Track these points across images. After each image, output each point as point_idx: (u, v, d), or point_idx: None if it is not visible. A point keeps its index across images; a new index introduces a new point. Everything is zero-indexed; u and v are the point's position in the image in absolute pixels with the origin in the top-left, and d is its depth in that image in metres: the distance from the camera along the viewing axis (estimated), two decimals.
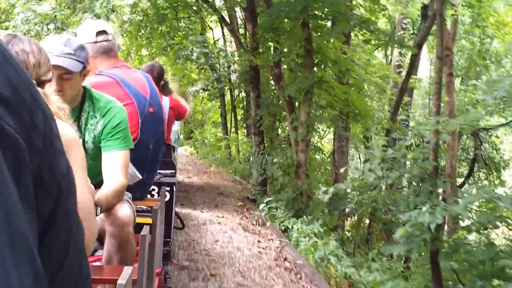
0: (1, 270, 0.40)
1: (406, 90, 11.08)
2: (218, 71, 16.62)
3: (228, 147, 16.32)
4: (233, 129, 20.07)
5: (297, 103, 9.67)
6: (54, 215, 0.55)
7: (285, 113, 11.50)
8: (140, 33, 17.51)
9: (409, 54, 17.80)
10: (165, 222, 3.09)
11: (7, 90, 0.46)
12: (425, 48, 15.26)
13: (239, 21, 18.14)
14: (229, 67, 17.17)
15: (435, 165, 5.20)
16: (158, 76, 3.93)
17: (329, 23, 8.21)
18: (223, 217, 5.69)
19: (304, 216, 6.20)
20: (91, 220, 1.52)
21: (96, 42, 2.75)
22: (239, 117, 19.55)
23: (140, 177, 2.56)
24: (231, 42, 18.00)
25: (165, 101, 4.07)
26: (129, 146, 2.32)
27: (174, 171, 3.79)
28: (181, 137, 24.32)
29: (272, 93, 10.30)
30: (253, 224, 5.70)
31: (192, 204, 6.37)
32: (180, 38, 16.90)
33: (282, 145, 10.80)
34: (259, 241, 4.80)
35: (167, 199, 3.31)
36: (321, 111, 8.29)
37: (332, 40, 8.10)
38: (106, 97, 2.35)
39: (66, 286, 0.59)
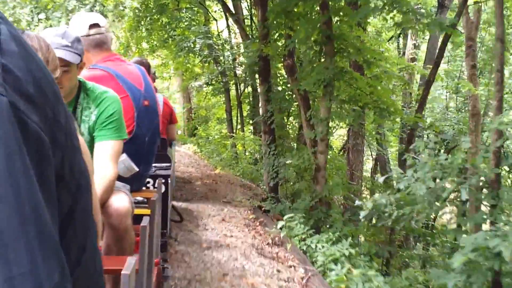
0: (31, 263, 0.41)
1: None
2: (222, 64, 15.59)
3: (234, 146, 15.30)
4: (238, 126, 19.09)
5: (312, 98, 8.65)
6: (72, 212, 0.56)
7: (294, 109, 10.49)
8: (140, 24, 16.51)
9: (423, 46, 16.81)
10: (162, 214, 3.08)
11: (32, 86, 0.47)
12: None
13: (245, 11, 17.13)
14: (234, 59, 16.13)
15: (497, 172, 4.17)
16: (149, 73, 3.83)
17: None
18: (231, 236, 4.68)
19: (330, 233, 5.18)
20: (97, 217, 1.52)
21: (88, 35, 2.70)
22: (245, 113, 18.54)
23: (137, 169, 2.56)
24: (236, 33, 16.93)
25: (159, 97, 4.09)
26: (122, 137, 2.32)
27: (169, 164, 3.83)
28: (179, 132, 23.35)
29: (284, 87, 9.22)
30: (268, 244, 4.70)
31: (194, 219, 5.36)
32: (182, 29, 15.87)
33: (295, 145, 9.74)
34: (278, 271, 3.81)
35: (162, 190, 3.28)
36: (342, 106, 7.23)
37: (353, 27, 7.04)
38: (100, 88, 2.34)
39: (82, 282, 0.59)
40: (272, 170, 8.24)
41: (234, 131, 17.75)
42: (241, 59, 15.98)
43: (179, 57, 16.02)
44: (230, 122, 17.91)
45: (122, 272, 1.41)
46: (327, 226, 6.60)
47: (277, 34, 8.30)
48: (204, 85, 15.94)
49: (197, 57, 15.89)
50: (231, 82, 17.36)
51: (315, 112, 7.32)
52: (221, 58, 16.41)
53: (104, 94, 2.31)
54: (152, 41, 17.73)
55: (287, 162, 8.06)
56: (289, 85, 9.08)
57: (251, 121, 18.70)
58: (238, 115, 17.86)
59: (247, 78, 17.47)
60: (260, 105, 18.50)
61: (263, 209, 6.73)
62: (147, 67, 4.06)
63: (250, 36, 14.67)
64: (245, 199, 6.81)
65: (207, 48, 15.02)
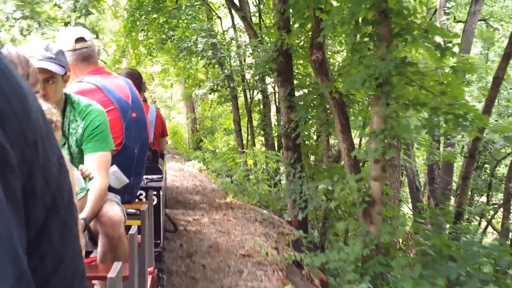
0: None
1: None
2: (229, 67, 13.63)
3: (245, 163, 13.26)
4: (249, 137, 17.09)
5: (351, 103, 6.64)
6: (47, 224, 0.55)
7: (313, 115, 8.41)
8: (135, 25, 14.59)
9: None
10: (154, 224, 3.04)
11: None
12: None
13: (252, 8, 15.18)
14: (241, 62, 14.14)
15: None
16: (138, 85, 3.62)
17: None
18: None
19: None
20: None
21: (75, 49, 2.73)
22: (255, 123, 16.54)
23: (127, 180, 2.59)
24: (242, 31, 14.92)
25: (151, 109, 4.59)
26: (110, 148, 2.37)
27: (160, 175, 3.83)
28: (169, 142, 21.31)
29: (311, 89, 7.15)
30: None
31: None
32: (181, 29, 13.94)
33: (325, 166, 7.66)
34: None
35: (154, 202, 3.34)
36: (397, 114, 5.16)
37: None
38: (86, 101, 2.38)
39: None
40: (300, 198, 6.19)
41: (244, 142, 15.75)
42: (249, 60, 14.04)
43: (179, 60, 14.05)
44: (239, 133, 15.91)
45: (108, 275, 1.45)
46: (390, 285, 4.55)
47: (302, 19, 6.26)
48: (209, 92, 13.88)
49: (200, 59, 13.86)
50: (239, 88, 15.38)
51: (361, 121, 5.26)
52: (227, 59, 14.45)
53: (89, 107, 2.34)
54: (149, 44, 15.83)
55: (320, 187, 6.02)
56: (315, 87, 7.02)
57: (262, 132, 16.73)
58: (248, 125, 15.87)
59: (257, 83, 15.54)
60: (272, 113, 16.62)
61: (295, 261, 4.66)
62: (139, 77, 4.04)
63: (260, 35, 12.76)
64: (270, 247, 4.79)
65: (210, 48, 13.04)
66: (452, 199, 15.10)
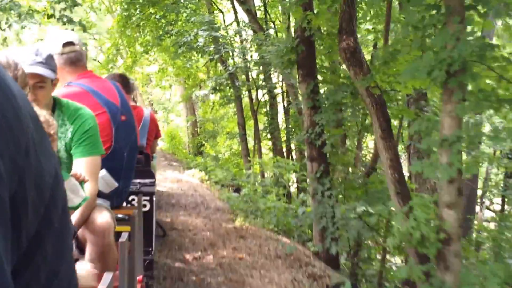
0: None
1: None
2: (233, 63, 12.27)
3: (259, 175, 11.89)
4: (254, 141, 15.76)
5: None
6: (41, 236, 0.54)
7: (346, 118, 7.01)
8: (129, 20, 13.24)
9: None
10: (146, 231, 2.97)
11: None
12: None
13: (257, 1, 13.83)
14: (245, 58, 12.75)
15: None
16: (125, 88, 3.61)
17: None
18: None
19: None
20: None
21: (63, 53, 2.71)
22: (261, 127, 15.19)
23: (117, 185, 2.56)
24: (247, 27, 13.56)
25: (146, 112, 4.60)
26: (100, 152, 2.34)
27: (153, 180, 3.73)
28: (159, 145, 19.92)
29: (340, 85, 5.73)
30: None
31: None
32: (181, 22, 12.58)
33: (352, 178, 6.25)
34: None
35: (147, 208, 3.27)
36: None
37: None
38: (75, 104, 2.36)
39: None
40: (333, 225, 4.82)
41: (250, 148, 14.38)
42: (254, 56, 12.69)
43: (178, 57, 12.69)
44: (244, 138, 14.55)
45: (98, 287, 1.40)
46: None
47: None
48: (211, 92, 12.50)
49: (200, 56, 12.48)
50: (244, 88, 14.03)
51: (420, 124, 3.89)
52: (231, 55, 13.10)
53: (78, 111, 2.32)
54: (145, 41, 14.47)
55: (359, 209, 4.67)
56: (345, 82, 5.62)
57: (269, 136, 15.36)
58: (254, 129, 14.50)
59: (264, 82, 14.21)
60: (278, 118, 15.29)
61: None
62: (126, 80, 3.96)
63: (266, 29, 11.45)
64: None
65: (212, 43, 11.68)
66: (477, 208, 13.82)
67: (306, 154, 5.65)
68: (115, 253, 2.18)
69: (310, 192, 5.49)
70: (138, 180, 3.37)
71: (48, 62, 2.20)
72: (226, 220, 5.96)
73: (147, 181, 3.61)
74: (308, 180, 5.57)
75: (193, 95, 18.24)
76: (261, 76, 14.25)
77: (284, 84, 15.67)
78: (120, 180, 2.67)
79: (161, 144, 19.82)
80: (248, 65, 11.87)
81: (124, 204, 2.96)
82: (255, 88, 14.40)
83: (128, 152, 2.83)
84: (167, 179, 9.55)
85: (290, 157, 15.59)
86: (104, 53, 16.48)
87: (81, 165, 2.23)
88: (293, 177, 9.71)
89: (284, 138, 15.66)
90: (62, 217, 0.59)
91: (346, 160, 5.90)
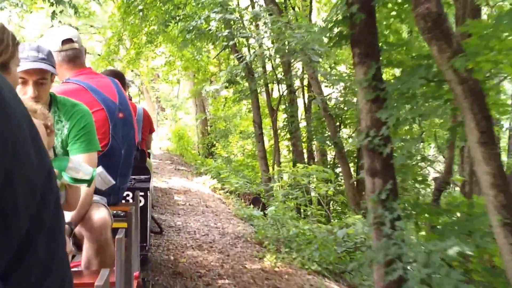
0: None
1: None
2: (250, 51, 10.66)
3: (271, 178, 10.26)
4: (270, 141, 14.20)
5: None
6: (31, 236, 0.53)
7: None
8: (132, 5, 11.68)
9: None
10: (141, 227, 3.00)
11: None
12: None
13: None
14: (261, 46, 11.10)
15: None
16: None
17: None
18: None
19: None
20: None
21: (61, 50, 2.71)
22: (279, 125, 13.58)
23: (113, 182, 2.51)
24: (265, 11, 11.91)
25: (139, 109, 4.62)
26: (96, 149, 2.33)
27: (148, 176, 3.77)
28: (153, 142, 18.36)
29: (415, 67, 4.04)
30: None
31: None
32: (189, 6, 10.97)
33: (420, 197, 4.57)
34: None
35: (141, 204, 3.27)
36: None
37: None
38: (71, 101, 2.35)
39: None
40: (405, 272, 3.19)
41: (265, 151, 12.78)
42: (274, 43, 11.05)
43: (186, 45, 11.07)
44: (260, 137, 12.90)
45: (95, 284, 1.40)
46: None
47: None
48: (225, 86, 10.88)
49: (212, 43, 10.82)
50: (260, 81, 12.39)
51: None
52: (246, 43, 11.50)
53: (75, 107, 2.32)
54: (150, 31, 12.90)
55: (452, 251, 3.06)
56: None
57: (288, 135, 13.73)
58: (272, 128, 12.87)
59: (283, 75, 12.59)
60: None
61: None
62: (122, 77, 3.96)
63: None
64: None
65: (224, 26, 10.05)
66: None
67: (365, 165, 4.00)
68: (112, 249, 2.13)
69: (370, 219, 3.87)
70: (133, 176, 3.33)
71: (49, 58, 2.20)
72: (251, 257, 4.31)
73: (142, 177, 3.62)
74: (368, 203, 3.91)
75: (203, 91, 16.66)
76: (279, 68, 12.70)
77: (302, 77, 14.14)
78: (117, 177, 2.64)
79: (168, 144, 18.30)
80: (268, 53, 10.20)
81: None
82: (273, 82, 12.80)
83: (126, 149, 2.79)
84: (172, 189, 7.98)
85: (313, 160, 13.98)
86: (104, 45, 14.92)
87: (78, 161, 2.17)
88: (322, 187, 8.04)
89: (304, 139, 14.08)
90: (54, 216, 0.58)
91: (419, 175, 4.24)
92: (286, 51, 8.26)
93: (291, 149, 13.64)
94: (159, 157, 13.84)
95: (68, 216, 2.05)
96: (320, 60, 8.06)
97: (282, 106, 14.06)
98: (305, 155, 13.99)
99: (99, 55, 14.55)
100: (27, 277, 0.53)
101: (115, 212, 2.57)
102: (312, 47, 7.97)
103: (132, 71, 23.65)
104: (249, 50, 10.73)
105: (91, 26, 19.77)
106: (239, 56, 11.24)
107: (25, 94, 2.09)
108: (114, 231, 2.13)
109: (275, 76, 11.77)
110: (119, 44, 13.79)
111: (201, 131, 18.10)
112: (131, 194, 3.24)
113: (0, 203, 0.47)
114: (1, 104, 0.48)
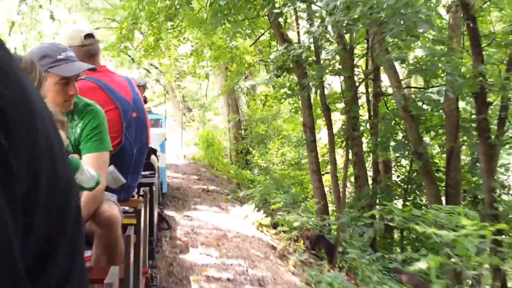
0: None
1: None
2: (309, 35, 7.68)
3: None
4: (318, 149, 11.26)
5: None
6: (53, 240, 0.54)
7: None
8: None
9: None
10: (148, 221, 3.03)
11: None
12: None
13: None
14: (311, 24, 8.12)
15: None
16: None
17: None
18: None
19: None
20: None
21: (83, 45, 2.72)
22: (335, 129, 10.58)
23: (124, 181, 2.56)
24: None
25: None
26: (108, 148, 2.33)
27: (153, 171, 3.84)
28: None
29: None
30: None
31: None
32: None
33: None
34: None
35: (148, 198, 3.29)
36: None
37: None
38: (84, 100, 2.34)
39: None
40: None
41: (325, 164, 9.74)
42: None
43: (219, 22, 8.17)
44: (313, 145, 9.96)
45: (105, 281, 1.40)
46: None
47: None
48: (276, 75, 7.86)
49: (249, 21, 7.89)
50: (312, 73, 9.36)
51: None
52: (294, 21, 8.53)
53: (88, 107, 2.31)
54: (167, 8, 10.09)
55: None
56: None
57: (346, 143, 10.67)
58: (328, 132, 9.81)
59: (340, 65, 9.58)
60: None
61: None
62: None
63: None
64: None
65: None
66: None
67: None
68: (122, 246, 2.15)
69: None
70: None
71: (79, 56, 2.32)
72: None
73: (147, 172, 3.66)
74: None
75: (236, 87, 13.77)
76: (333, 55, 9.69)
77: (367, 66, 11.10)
78: (128, 176, 2.66)
79: (194, 150, 15.48)
80: (330, 34, 7.17)
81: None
82: (336, 74, 9.78)
83: (138, 149, 2.79)
84: (198, 235, 5.06)
85: (378, 173, 10.91)
86: (115, 29, 12.16)
87: (89, 160, 2.21)
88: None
89: (369, 146, 11.05)
90: (76, 225, 0.59)
91: None
92: (372, 17, 5.22)
93: (352, 159, 10.55)
94: (183, 169, 10.99)
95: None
96: (431, 31, 5.02)
97: (336, 106, 11.07)
98: (371, 169, 10.98)
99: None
100: (48, 282, 0.52)
101: (125, 208, 2.53)
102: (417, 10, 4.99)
103: (151, 64, 21.00)
104: (312, 18, 7.69)
105: (113, 20, 17.24)
106: (286, 42, 8.29)
107: (66, 94, 2.13)
108: (123, 227, 2.18)
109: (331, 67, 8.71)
110: (133, 28, 11.00)
111: (234, 135, 15.20)
112: (136, 190, 3.14)
113: (26, 204, 0.47)
114: (30, 109, 0.49)
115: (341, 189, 7.75)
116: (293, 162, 14.10)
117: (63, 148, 0.58)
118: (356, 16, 5.13)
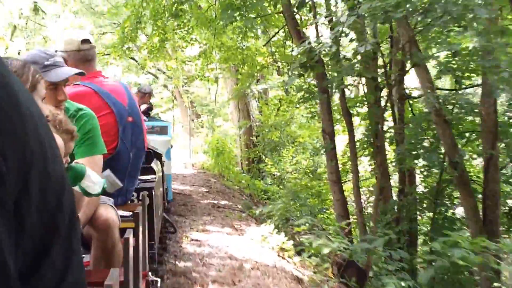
0: None
1: None
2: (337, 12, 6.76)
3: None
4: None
5: None
6: (47, 248, 0.54)
7: None
8: None
9: None
10: (148, 226, 2.96)
11: None
12: None
13: None
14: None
15: None
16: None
17: None
18: None
19: None
20: None
21: (79, 50, 2.74)
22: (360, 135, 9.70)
23: (121, 185, 2.60)
24: None
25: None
26: (102, 151, 2.34)
27: (154, 175, 3.82)
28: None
29: None
30: None
31: None
32: None
33: None
34: None
35: (147, 203, 3.13)
36: None
37: None
38: (76, 105, 2.36)
39: None
40: None
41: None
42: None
43: (230, 18, 7.32)
44: (333, 153, 9.11)
45: (105, 283, 1.42)
46: None
47: None
48: (299, 71, 6.98)
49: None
50: (333, 74, 8.45)
51: None
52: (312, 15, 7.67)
53: (79, 112, 2.31)
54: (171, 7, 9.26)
55: None
56: None
57: (368, 150, 9.73)
58: (349, 139, 8.89)
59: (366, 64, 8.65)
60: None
61: None
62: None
63: None
64: None
65: None
66: None
67: None
68: (120, 249, 2.16)
69: None
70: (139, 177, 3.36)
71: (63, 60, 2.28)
72: None
73: (148, 177, 3.65)
74: None
75: (247, 92, 12.90)
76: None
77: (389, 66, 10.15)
78: (125, 180, 2.68)
79: (203, 158, 14.64)
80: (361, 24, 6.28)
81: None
82: (360, 75, 8.88)
83: (135, 153, 2.80)
84: (210, 266, 4.17)
85: (405, 184, 9.96)
86: (117, 29, 11.33)
87: (83, 164, 2.16)
88: None
89: (394, 155, 10.09)
90: (70, 225, 0.59)
91: None
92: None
93: (375, 169, 9.62)
94: (191, 179, 10.12)
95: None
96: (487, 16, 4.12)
97: (356, 108, 10.15)
98: (396, 180, 10.02)
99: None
100: (43, 283, 0.53)
101: (124, 213, 2.54)
102: None
103: (158, 69, 20.21)
104: (331, 14, 6.84)
105: (119, 24, 16.49)
106: (303, 40, 7.42)
107: (55, 99, 2.10)
108: (123, 231, 2.15)
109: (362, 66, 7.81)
110: (137, 28, 10.19)
111: (245, 142, 14.32)
112: (136, 195, 3.21)
113: (17, 207, 0.47)
114: (19, 111, 0.49)
115: (371, 204, 6.83)
116: (308, 171, 13.20)
117: (54, 148, 0.57)
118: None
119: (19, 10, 20.26)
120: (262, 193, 10.98)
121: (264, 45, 10.44)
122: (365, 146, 9.65)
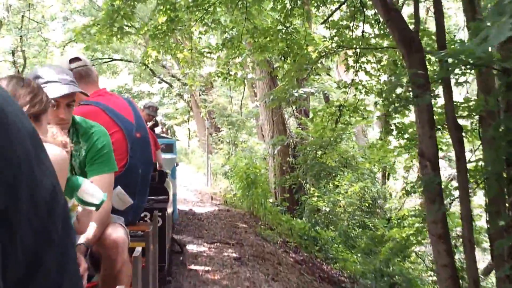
0: None
1: None
2: None
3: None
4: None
5: None
6: (40, 256, 0.54)
7: None
8: None
9: None
10: (159, 247, 3.01)
11: None
12: None
13: None
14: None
15: None
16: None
17: None
18: None
19: None
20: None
21: (70, 69, 2.61)
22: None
23: (132, 201, 2.58)
24: None
25: None
26: (113, 169, 2.33)
27: (166, 196, 3.84)
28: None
29: None
30: None
31: None
32: None
33: None
34: None
35: (159, 224, 3.25)
36: None
37: None
38: (88, 122, 2.37)
39: None
40: None
41: None
42: None
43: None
44: (436, 192, 5.49)
45: None
46: None
47: None
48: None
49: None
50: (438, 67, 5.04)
51: None
52: None
53: (92, 129, 2.33)
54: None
55: None
56: None
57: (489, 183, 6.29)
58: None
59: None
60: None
61: None
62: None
63: None
64: None
65: None
66: None
67: None
68: (129, 269, 2.14)
69: None
70: (151, 197, 3.32)
71: (75, 80, 2.24)
72: None
73: (160, 197, 3.65)
74: None
75: (282, 104, 9.48)
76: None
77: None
78: (135, 196, 2.67)
79: (224, 184, 11.22)
80: None
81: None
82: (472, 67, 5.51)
83: (143, 168, 2.80)
84: None
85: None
86: (104, 3, 8.10)
87: (95, 183, 2.12)
88: None
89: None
90: (63, 233, 0.59)
91: None
92: None
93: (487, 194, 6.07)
94: (210, 226, 6.72)
95: (84, 235, 2.02)
96: None
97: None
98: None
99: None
100: None
101: (133, 232, 2.49)
102: None
103: (173, 76, 17.08)
104: None
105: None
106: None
107: (57, 117, 2.08)
108: (132, 250, 2.10)
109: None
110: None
111: (280, 164, 10.89)
112: (148, 215, 3.18)
113: (6, 216, 0.47)
114: (3, 121, 0.50)
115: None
116: (367, 205, 9.72)
117: (44, 155, 0.58)
118: None
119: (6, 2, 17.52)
120: (314, 241, 7.53)
121: (323, 22, 7.04)
122: (480, 179, 6.19)
